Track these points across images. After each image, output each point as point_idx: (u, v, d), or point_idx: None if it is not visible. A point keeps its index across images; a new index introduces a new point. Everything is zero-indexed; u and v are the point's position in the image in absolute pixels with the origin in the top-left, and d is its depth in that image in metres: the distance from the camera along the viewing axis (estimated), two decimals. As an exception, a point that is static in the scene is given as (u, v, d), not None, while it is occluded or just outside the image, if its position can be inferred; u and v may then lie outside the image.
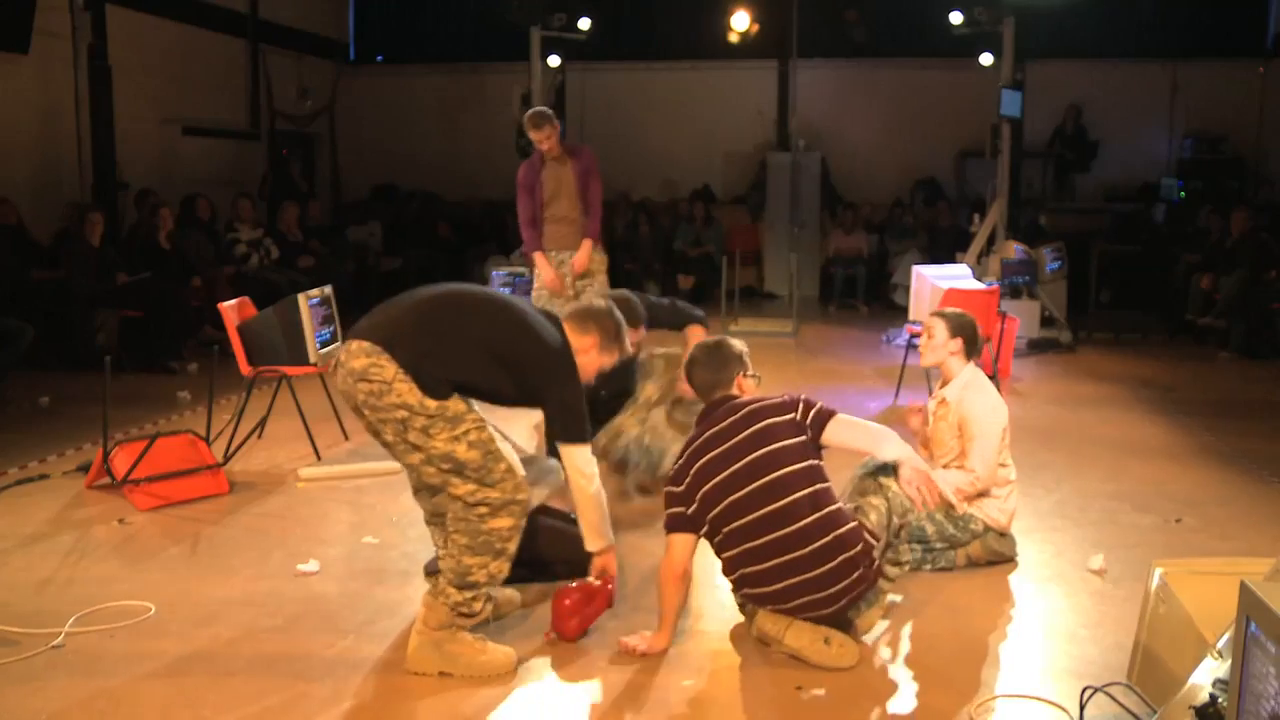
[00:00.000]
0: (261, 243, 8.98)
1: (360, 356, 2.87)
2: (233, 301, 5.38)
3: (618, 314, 3.22)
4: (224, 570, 3.79)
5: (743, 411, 3.05)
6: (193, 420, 5.71)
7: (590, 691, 2.91)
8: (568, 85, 12.22)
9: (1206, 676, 2.28)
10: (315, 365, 5.22)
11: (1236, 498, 4.63)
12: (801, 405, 3.07)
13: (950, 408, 3.80)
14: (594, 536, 3.14)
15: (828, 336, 9.39)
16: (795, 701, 2.84)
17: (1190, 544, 4.00)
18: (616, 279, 10.72)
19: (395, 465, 4.87)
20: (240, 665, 3.04)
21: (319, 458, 5.16)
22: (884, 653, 3.11)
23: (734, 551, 3.00)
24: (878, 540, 3.05)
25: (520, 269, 9.09)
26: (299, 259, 9.18)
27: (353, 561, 3.86)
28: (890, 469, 3.16)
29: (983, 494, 3.76)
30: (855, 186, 12.33)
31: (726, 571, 3.05)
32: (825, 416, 3.07)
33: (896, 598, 3.39)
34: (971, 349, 3.85)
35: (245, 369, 5.19)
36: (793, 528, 2.92)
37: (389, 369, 2.84)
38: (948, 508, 3.71)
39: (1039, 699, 2.82)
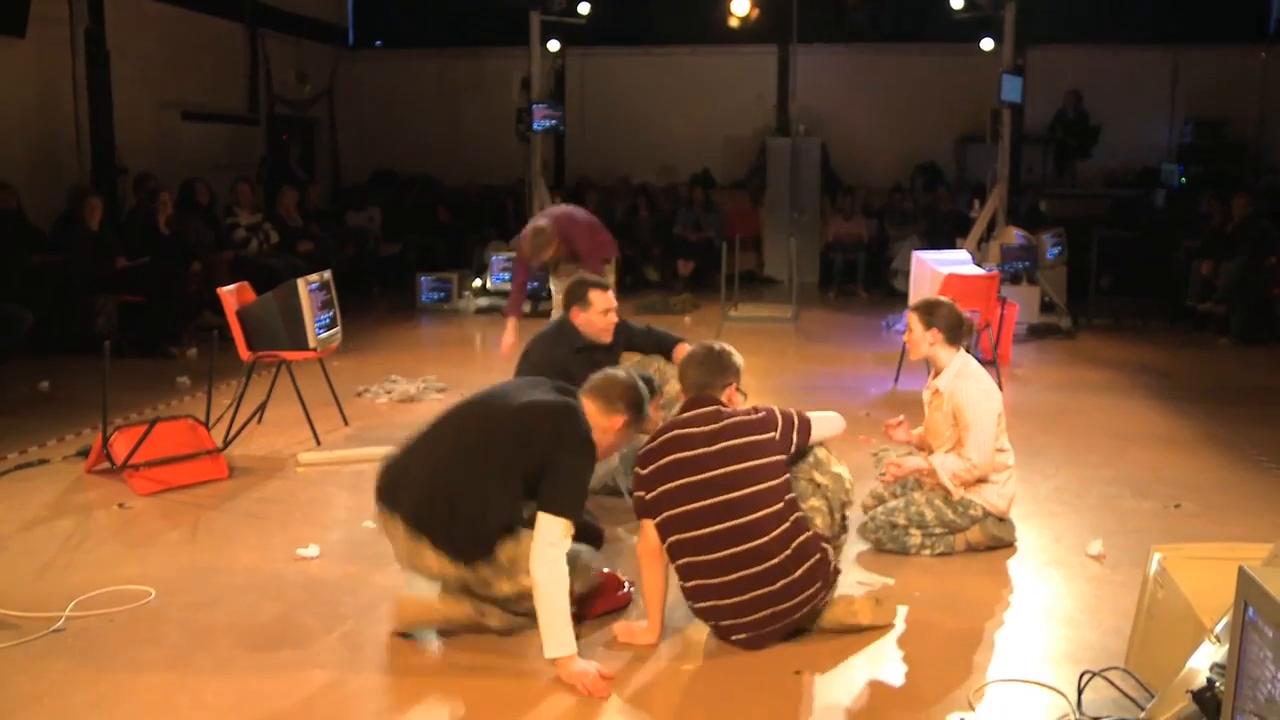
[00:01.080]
0: (261, 227, 8.95)
1: (400, 540, 2.93)
2: (232, 286, 5.36)
3: (642, 387, 3.12)
4: (224, 555, 3.79)
5: (723, 423, 3.02)
6: (192, 405, 5.71)
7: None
8: (567, 69, 12.20)
9: (1204, 661, 2.29)
10: (315, 350, 5.21)
11: (1235, 483, 4.63)
12: (780, 423, 3.05)
13: (943, 397, 3.80)
14: (551, 640, 2.77)
15: (827, 322, 9.38)
16: (794, 684, 2.85)
17: (1189, 529, 4.00)
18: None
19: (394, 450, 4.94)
20: (240, 649, 3.05)
21: (318, 442, 5.17)
22: (881, 638, 3.11)
23: (688, 561, 2.96)
24: (829, 543, 3.06)
25: (519, 254, 9.07)
26: (298, 244, 9.16)
27: (352, 546, 3.86)
28: (817, 461, 3.14)
29: (981, 480, 3.77)
30: (855, 171, 12.29)
31: (682, 578, 3.00)
32: (805, 426, 3.10)
33: (888, 580, 3.39)
34: (954, 336, 3.82)
35: (244, 354, 5.19)
36: (754, 544, 2.91)
37: (431, 559, 2.89)
38: (945, 494, 3.72)
39: (1037, 683, 2.83)
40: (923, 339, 3.84)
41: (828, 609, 3.08)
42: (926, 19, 10.83)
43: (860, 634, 3.10)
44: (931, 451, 3.89)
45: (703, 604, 2.99)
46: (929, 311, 3.84)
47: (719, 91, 12.76)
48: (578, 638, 2.84)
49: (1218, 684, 2.12)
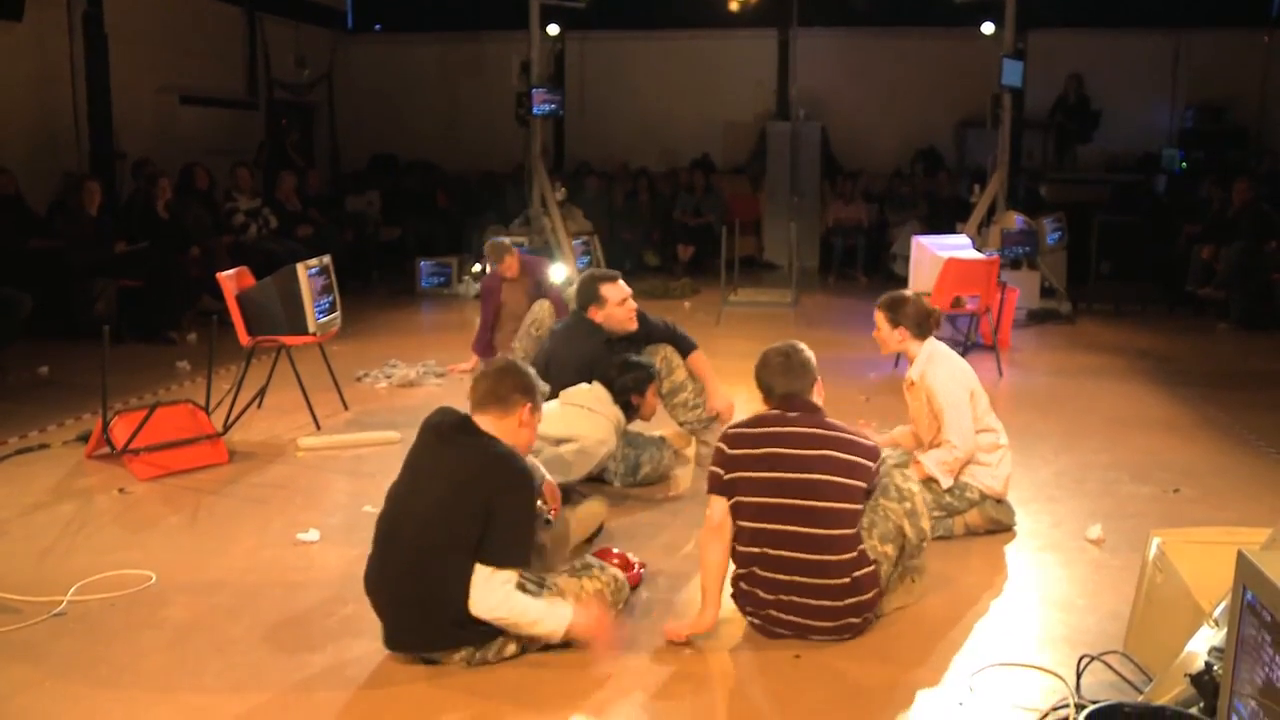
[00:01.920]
0: (260, 212, 8.93)
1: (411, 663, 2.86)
2: (231, 271, 5.35)
3: (519, 363, 3.03)
4: (224, 539, 3.80)
5: (822, 431, 2.95)
6: (192, 390, 5.70)
7: (583, 659, 2.90)
8: (567, 53, 12.13)
9: (1202, 645, 2.29)
10: (314, 335, 5.20)
11: (1234, 468, 4.64)
12: (879, 459, 3.02)
13: (918, 386, 3.80)
14: (550, 626, 2.80)
15: (827, 307, 9.37)
16: (794, 669, 2.86)
17: (1188, 514, 4.00)
18: (614, 249, 10.74)
19: (394, 435, 4.95)
20: (241, 634, 3.05)
21: (318, 427, 5.16)
22: (882, 621, 3.11)
23: (752, 550, 2.96)
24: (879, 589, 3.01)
25: (520, 239, 9.05)
26: (298, 229, 9.14)
27: (353, 530, 3.85)
28: (914, 511, 3.08)
29: (971, 462, 3.76)
30: (855, 156, 12.25)
31: (738, 564, 3.01)
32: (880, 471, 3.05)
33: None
34: (922, 329, 3.79)
35: (244, 339, 5.18)
36: (820, 557, 2.89)
37: (461, 658, 2.82)
38: (934, 484, 3.71)
39: (1036, 667, 2.83)
40: (890, 337, 3.83)
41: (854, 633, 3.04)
42: (927, 2, 10.75)
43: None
44: (920, 443, 3.89)
45: (746, 587, 2.99)
46: (894, 309, 3.82)
47: (719, 76, 12.69)
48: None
49: (1216, 668, 2.13)
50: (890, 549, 3.02)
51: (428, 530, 2.75)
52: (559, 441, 3.88)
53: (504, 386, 2.88)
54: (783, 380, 3.03)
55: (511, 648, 2.84)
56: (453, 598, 2.72)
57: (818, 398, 3.11)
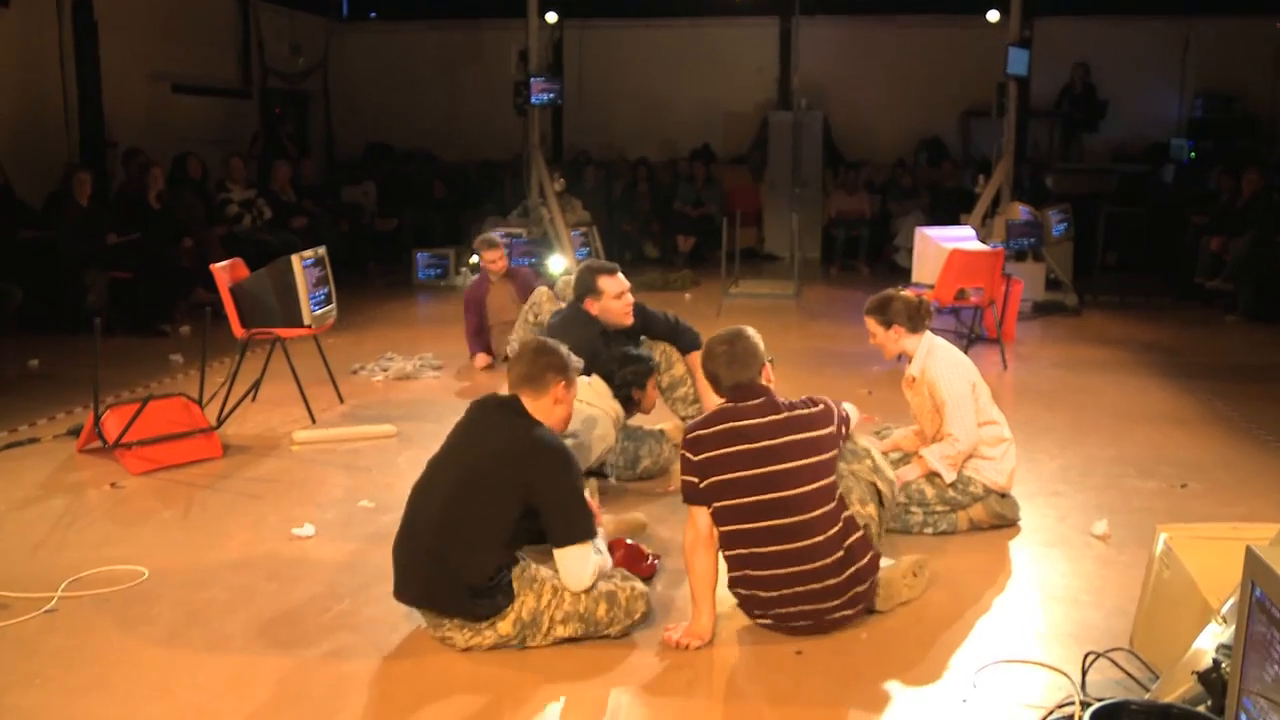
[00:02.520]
0: (254, 203, 8.87)
1: (436, 631, 2.90)
2: (225, 262, 5.31)
3: (549, 341, 3.09)
4: (218, 534, 3.76)
5: (784, 416, 2.93)
6: (185, 383, 5.66)
7: (588, 655, 2.88)
8: (565, 41, 12.05)
9: (1210, 642, 2.26)
10: (309, 327, 5.16)
11: (1242, 463, 4.59)
12: (837, 417, 3.02)
13: (919, 381, 3.75)
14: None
15: (830, 298, 9.32)
16: (795, 665, 2.82)
17: (1195, 509, 3.96)
18: (613, 240, 10.68)
19: (391, 428, 4.91)
20: (235, 629, 3.02)
21: (314, 421, 5.12)
22: (885, 618, 3.08)
23: (740, 551, 2.94)
24: (874, 551, 3.03)
25: (518, 230, 9.00)
26: (292, 219, 9.08)
27: (348, 525, 3.82)
28: (877, 467, 3.14)
29: (975, 456, 3.72)
30: (858, 146, 12.18)
31: (730, 568, 2.99)
32: (847, 418, 3.09)
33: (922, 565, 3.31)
34: (915, 324, 3.75)
35: (238, 331, 5.14)
36: (808, 542, 2.87)
37: (459, 638, 2.85)
38: (937, 479, 3.68)
39: (1041, 664, 2.80)
40: (887, 339, 3.77)
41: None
42: (931, -10, 10.68)
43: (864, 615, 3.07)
44: (925, 440, 3.84)
45: (745, 592, 2.96)
46: (882, 310, 3.77)
47: (720, 65, 12.61)
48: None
49: (1223, 665, 2.10)
50: (872, 508, 3.06)
51: (459, 494, 2.82)
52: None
53: (537, 366, 2.96)
54: (728, 370, 3.00)
55: (503, 625, 2.83)
56: (468, 564, 2.78)
57: (766, 383, 3.08)
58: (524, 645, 2.87)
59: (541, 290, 5.76)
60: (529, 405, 2.93)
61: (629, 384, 4.05)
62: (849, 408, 3.19)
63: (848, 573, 2.89)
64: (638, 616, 2.95)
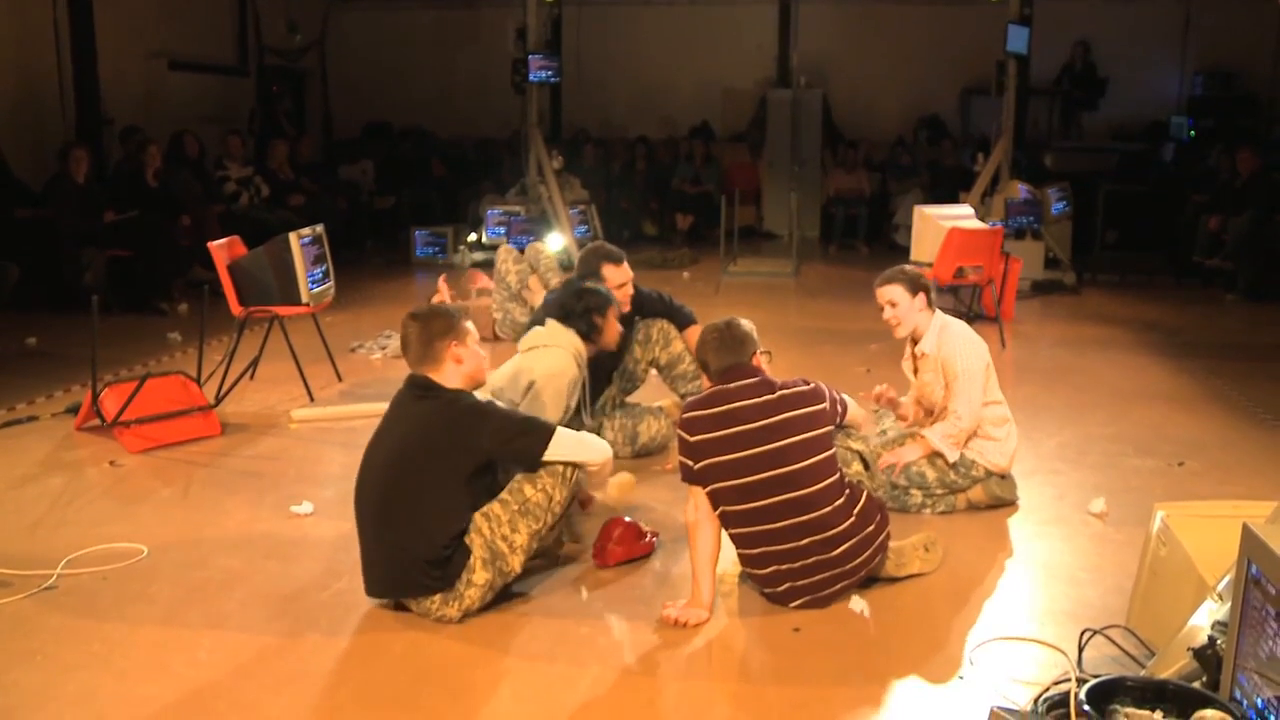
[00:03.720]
0: (251, 181, 8.82)
1: (426, 615, 2.93)
2: (223, 241, 5.28)
3: (420, 312, 3.09)
4: (217, 512, 3.76)
5: (778, 394, 2.96)
6: (183, 361, 5.65)
7: (590, 631, 2.90)
8: (564, 19, 11.94)
9: (1206, 619, 2.27)
10: (308, 305, 5.15)
11: (1240, 442, 4.59)
12: (828, 396, 3.06)
13: (930, 359, 3.72)
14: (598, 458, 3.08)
15: (828, 277, 9.30)
16: (794, 642, 2.83)
17: (1192, 488, 3.96)
18: (612, 218, 10.64)
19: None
20: (234, 607, 3.02)
21: (312, 399, 5.11)
22: (883, 596, 3.08)
23: (747, 530, 2.95)
24: (879, 503, 3.12)
25: (516, 208, 8.96)
26: (290, 197, 9.03)
27: (347, 503, 3.75)
28: (846, 431, 3.23)
29: (981, 437, 3.71)
30: (857, 124, 12.11)
31: (741, 547, 3.01)
32: (844, 402, 3.14)
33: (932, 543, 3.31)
34: (931, 298, 3.73)
35: (236, 309, 5.12)
36: (817, 514, 2.91)
37: (449, 610, 2.88)
38: (939, 461, 3.67)
39: (1038, 641, 2.81)
40: (910, 308, 3.69)
41: (881, 563, 3.10)
42: (931, -33, 10.59)
43: (863, 589, 3.08)
44: (925, 413, 3.83)
45: (765, 570, 2.98)
46: (907, 276, 3.71)
47: (718, 42, 12.52)
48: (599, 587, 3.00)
49: (1219, 641, 2.11)
50: (857, 466, 3.16)
51: (390, 479, 2.91)
52: (527, 391, 3.74)
53: (420, 342, 2.99)
54: (717, 356, 3.03)
55: (478, 577, 2.86)
56: (421, 539, 2.84)
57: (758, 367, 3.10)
58: (509, 582, 2.93)
59: (503, 250, 5.79)
60: (436, 378, 2.98)
61: (589, 311, 3.91)
62: (850, 401, 3.21)
63: (867, 530, 2.97)
64: (570, 478, 2.99)
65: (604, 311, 3.95)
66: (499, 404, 3.09)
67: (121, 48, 8.88)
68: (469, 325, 3.06)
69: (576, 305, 3.93)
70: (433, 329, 2.98)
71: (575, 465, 3.00)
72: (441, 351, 2.97)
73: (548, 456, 2.94)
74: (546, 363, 3.80)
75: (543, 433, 2.97)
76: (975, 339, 3.74)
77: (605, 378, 4.42)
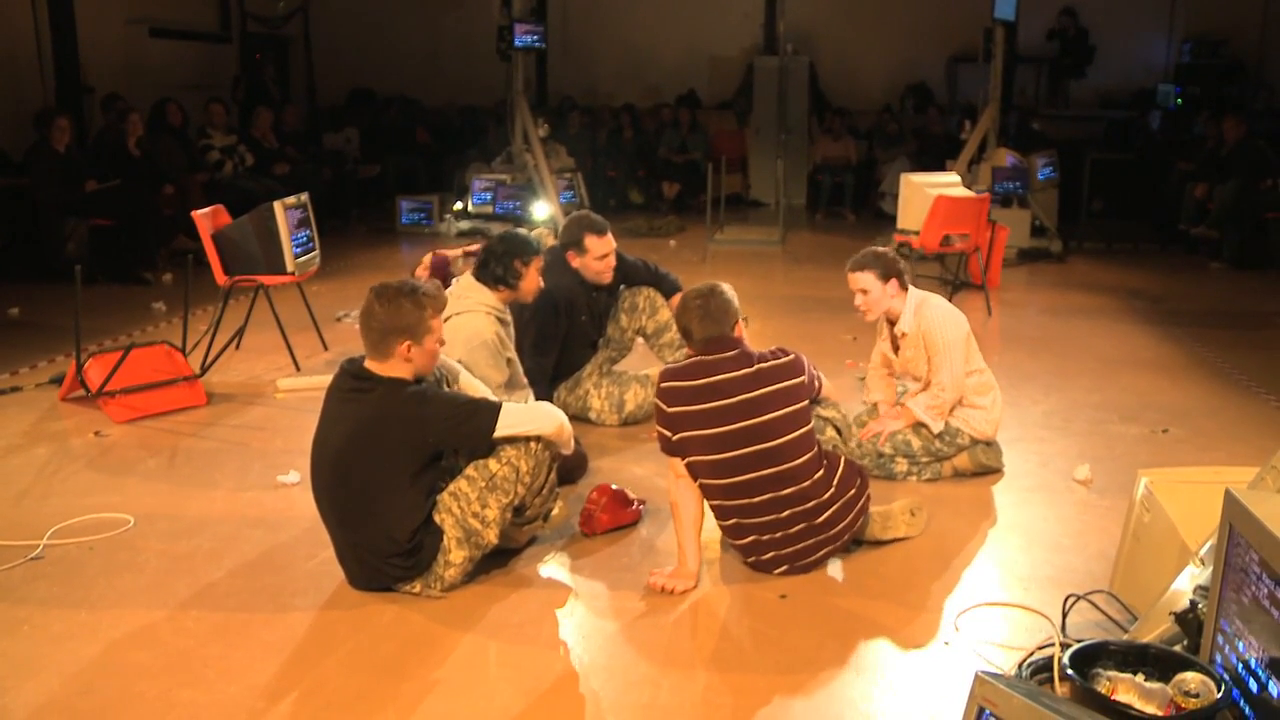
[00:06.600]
0: (235, 149, 8.71)
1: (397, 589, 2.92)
2: (207, 210, 5.23)
3: (379, 300, 2.89)
4: (203, 482, 3.75)
5: (757, 368, 2.95)
6: (168, 331, 5.60)
7: (576, 599, 2.91)
8: (550, -15, 11.79)
9: (1188, 583, 2.29)
10: (293, 274, 5.11)
11: (1224, 408, 4.63)
12: (808, 369, 3.05)
13: (910, 337, 3.69)
14: (541, 423, 2.97)
15: (814, 245, 9.28)
16: (780, 608, 2.85)
17: (1176, 454, 4.00)
18: (598, 187, 10.57)
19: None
20: (221, 576, 3.02)
21: (298, 368, 5.09)
22: (868, 562, 3.11)
23: (726, 502, 2.97)
24: (856, 468, 3.13)
25: (502, 176, 8.88)
26: (274, 166, 8.93)
27: (334, 473, 3.81)
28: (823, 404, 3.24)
29: (966, 405, 3.72)
30: (844, 92, 12.04)
31: (720, 517, 3.02)
32: (818, 376, 3.13)
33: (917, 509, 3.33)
34: (905, 280, 3.68)
35: (221, 278, 5.08)
36: (797, 487, 2.93)
37: (433, 590, 2.88)
38: (924, 430, 3.68)
39: (1022, 607, 2.84)
40: (883, 294, 3.64)
41: (864, 525, 3.13)
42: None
43: (848, 555, 3.11)
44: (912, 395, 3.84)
45: (744, 540, 3.00)
46: (879, 261, 3.66)
47: (705, 9, 12.40)
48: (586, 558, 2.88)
49: (1200, 606, 2.13)
50: (831, 432, 3.17)
51: (339, 483, 2.84)
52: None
53: (377, 331, 2.84)
54: (700, 324, 3.00)
55: (455, 556, 2.86)
56: (383, 538, 2.82)
57: (739, 335, 3.08)
58: (487, 552, 2.93)
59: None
60: (376, 369, 2.85)
61: (510, 254, 3.75)
62: (822, 376, 3.20)
63: (846, 496, 3.00)
64: (535, 449, 2.92)
65: (526, 259, 3.77)
66: (439, 389, 2.95)
67: (100, 14, 8.72)
68: (436, 319, 2.89)
69: (498, 247, 3.78)
70: (393, 322, 2.81)
71: (530, 438, 2.91)
72: (393, 347, 2.82)
73: (498, 434, 2.86)
74: (464, 334, 3.63)
75: (487, 413, 2.86)
76: (953, 310, 3.72)
77: (599, 322, 4.43)
